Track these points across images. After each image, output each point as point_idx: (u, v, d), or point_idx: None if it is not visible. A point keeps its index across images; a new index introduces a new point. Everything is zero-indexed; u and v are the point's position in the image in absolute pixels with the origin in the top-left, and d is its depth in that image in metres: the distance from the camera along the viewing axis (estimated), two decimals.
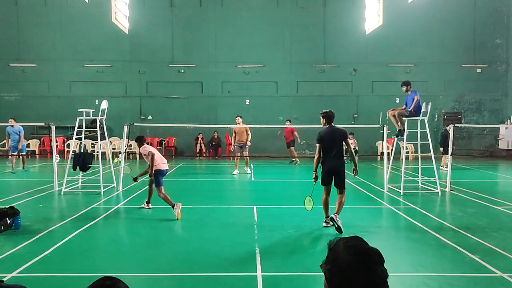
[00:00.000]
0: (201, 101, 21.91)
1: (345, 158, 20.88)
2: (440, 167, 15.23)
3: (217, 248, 5.95)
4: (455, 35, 21.65)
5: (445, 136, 14.65)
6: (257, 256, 5.59)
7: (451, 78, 21.85)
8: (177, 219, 7.74)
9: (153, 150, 8.63)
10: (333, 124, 7.19)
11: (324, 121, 7.24)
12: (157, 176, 8.46)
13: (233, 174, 14.29)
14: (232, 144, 14.76)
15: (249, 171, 14.36)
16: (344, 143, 7.16)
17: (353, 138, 19.36)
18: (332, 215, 6.88)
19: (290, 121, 18.16)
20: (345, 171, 7.18)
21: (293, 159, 17.94)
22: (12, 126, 14.78)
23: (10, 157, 14.79)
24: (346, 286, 1.50)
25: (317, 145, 7.08)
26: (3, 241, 6.25)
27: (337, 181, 7.05)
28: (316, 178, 7.09)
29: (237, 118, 14.62)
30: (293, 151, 17.99)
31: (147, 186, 9.01)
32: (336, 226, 6.78)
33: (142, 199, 9.84)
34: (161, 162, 8.56)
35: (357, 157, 19.21)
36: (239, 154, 14.58)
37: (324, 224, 7.10)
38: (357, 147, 19.33)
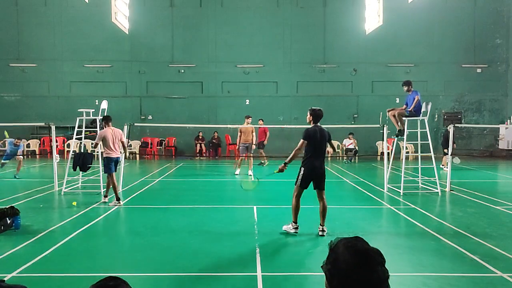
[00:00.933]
0: (201, 101, 21.91)
1: (345, 157, 20.80)
2: (441, 166, 15.25)
3: (217, 248, 5.95)
4: (455, 35, 21.65)
5: (447, 136, 14.68)
6: (257, 256, 5.59)
7: (451, 78, 21.85)
8: (105, 201, 9.02)
9: (108, 136, 9.01)
10: (319, 124, 6.79)
11: (311, 119, 6.79)
12: (107, 163, 8.95)
13: (236, 174, 14.24)
14: (238, 143, 14.59)
15: (251, 173, 14.20)
16: (328, 144, 6.90)
17: (353, 138, 19.41)
18: (320, 229, 6.64)
19: (263, 120, 17.05)
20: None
21: (262, 161, 17.13)
22: (16, 145, 13.76)
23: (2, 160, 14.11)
24: (347, 286, 1.50)
25: (302, 141, 6.63)
26: (3, 241, 6.25)
27: (320, 184, 6.71)
28: (282, 170, 6.73)
29: (249, 118, 14.42)
30: (262, 153, 17.12)
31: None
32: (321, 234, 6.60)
33: (142, 199, 9.86)
34: (110, 151, 8.98)
35: (357, 156, 19.40)
36: (244, 155, 14.44)
37: (294, 230, 6.69)
38: (357, 147, 19.36)
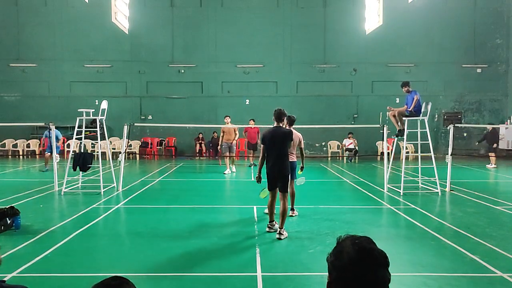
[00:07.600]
0: (201, 101, 21.91)
1: (344, 156, 20.78)
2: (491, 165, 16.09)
3: (217, 248, 5.96)
4: (455, 35, 21.65)
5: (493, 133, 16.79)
6: (257, 256, 5.59)
7: (451, 78, 21.85)
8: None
9: None
10: (280, 125, 6.79)
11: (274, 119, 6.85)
12: None
13: (225, 174, 14.65)
14: (220, 143, 15.38)
15: (234, 169, 15.21)
16: (287, 144, 6.71)
17: (353, 138, 19.43)
18: (278, 231, 6.50)
19: (254, 121, 16.45)
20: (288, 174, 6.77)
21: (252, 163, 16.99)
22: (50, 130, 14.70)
23: (46, 155, 15.16)
24: (346, 281, 1.51)
25: (262, 146, 6.82)
26: (3, 241, 6.25)
27: (279, 185, 6.72)
28: (258, 178, 6.87)
29: (226, 118, 15.21)
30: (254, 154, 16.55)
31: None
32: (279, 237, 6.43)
33: (142, 199, 9.87)
34: None
35: (357, 156, 19.40)
36: (227, 154, 15.18)
37: (267, 229, 6.80)
38: (357, 147, 19.37)
